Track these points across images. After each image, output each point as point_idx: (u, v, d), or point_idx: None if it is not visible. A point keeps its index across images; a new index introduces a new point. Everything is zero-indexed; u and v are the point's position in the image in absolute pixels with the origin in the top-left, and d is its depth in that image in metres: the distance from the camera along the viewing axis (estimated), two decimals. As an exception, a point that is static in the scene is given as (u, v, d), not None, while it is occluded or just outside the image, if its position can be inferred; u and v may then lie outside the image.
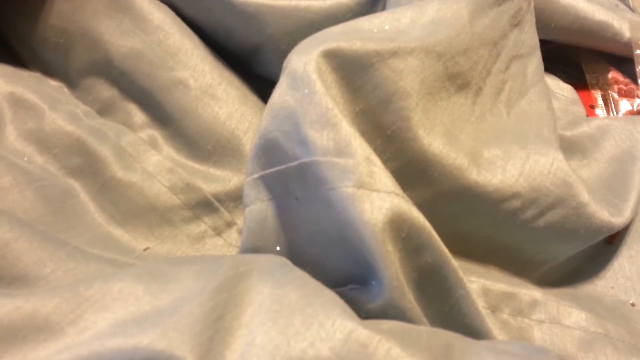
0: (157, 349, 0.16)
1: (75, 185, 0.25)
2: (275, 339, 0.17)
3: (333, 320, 0.17)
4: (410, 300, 0.20)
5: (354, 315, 0.18)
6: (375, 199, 0.20)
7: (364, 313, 0.20)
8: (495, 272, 0.27)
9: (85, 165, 0.25)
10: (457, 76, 0.27)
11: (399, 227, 0.21)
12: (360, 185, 0.21)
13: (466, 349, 0.19)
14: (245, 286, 0.19)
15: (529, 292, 0.26)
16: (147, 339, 0.16)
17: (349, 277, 0.23)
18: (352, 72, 0.24)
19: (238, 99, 0.29)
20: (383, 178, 0.21)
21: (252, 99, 0.30)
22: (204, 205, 0.27)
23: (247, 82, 0.31)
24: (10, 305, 0.17)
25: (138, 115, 0.28)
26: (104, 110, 0.28)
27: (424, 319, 0.21)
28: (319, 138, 0.21)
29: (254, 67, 0.32)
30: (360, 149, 0.21)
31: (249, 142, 0.28)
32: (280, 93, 0.23)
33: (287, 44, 0.30)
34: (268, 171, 0.23)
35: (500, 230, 0.27)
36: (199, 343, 0.16)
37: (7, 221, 0.20)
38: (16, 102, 0.26)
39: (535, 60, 0.33)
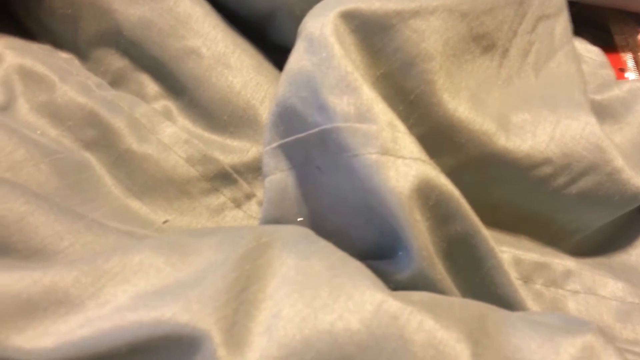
0: (180, 322, 0.15)
1: (91, 158, 0.25)
2: (302, 311, 0.16)
3: (362, 292, 0.17)
4: (440, 270, 0.20)
5: (383, 286, 0.17)
6: (401, 166, 0.20)
7: (392, 284, 0.19)
8: (526, 242, 0.26)
9: (100, 137, 0.25)
10: (482, 37, 0.25)
11: (426, 195, 0.20)
12: (385, 151, 0.20)
13: (500, 321, 0.18)
14: (268, 257, 0.18)
15: (562, 262, 0.25)
16: (169, 312, 0.16)
17: (374, 248, 0.22)
18: (372, 34, 0.23)
19: (252, 67, 0.28)
20: (408, 144, 0.20)
21: (267, 67, 0.29)
22: (223, 177, 0.26)
23: (261, 50, 0.30)
24: (28, 279, 0.16)
25: (151, 86, 0.27)
26: (116, 81, 0.28)
27: (455, 290, 0.20)
28: (339, 103, 0.20)
29: (268, 34, 0.31)
30: (383, 113, 0.20)
31: (265, 112, 0.28)
32: (296, 58, 0.22)
33: (301, 9, 0.28)
34: (287, 139, 0.22)
35: (531, 199, 0.26)
36: (224, 315, 0.16)
37: (22, 194, 0.19)
38: (26, 75, 0.25)
39: (563, 21, 0.31)
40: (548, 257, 0.25)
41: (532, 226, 0.27)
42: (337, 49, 0.21)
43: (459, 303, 0.18)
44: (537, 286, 0.25)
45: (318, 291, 0.17)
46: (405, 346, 0.16)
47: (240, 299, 0.17)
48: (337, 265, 0.18)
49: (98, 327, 0.16)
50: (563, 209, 0.26)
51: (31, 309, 0.16)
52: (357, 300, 0.16)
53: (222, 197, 0.26)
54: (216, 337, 0.15)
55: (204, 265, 0.18)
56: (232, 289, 0.17)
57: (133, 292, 0.17)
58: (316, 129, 0.21)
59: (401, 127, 0.20)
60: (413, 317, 0.16)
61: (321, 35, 0.21)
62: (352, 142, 0.20)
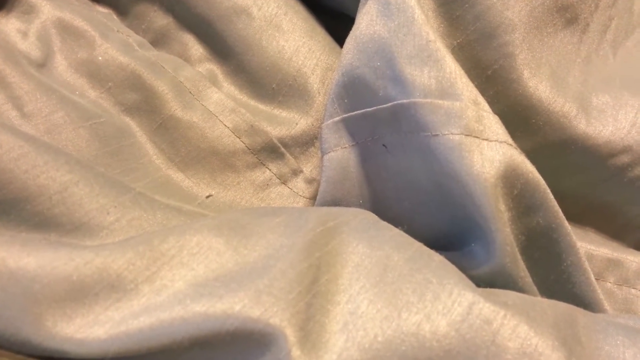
0: (251, 317, 0.14)
1: (131, 124, 0.23)
2: (384, 309, 0.14)
3: (449, 290, 0.15)
4: (522, 267, 0.18)
5: (471, 284, 0.15)
6: (486, 149, 0.18)
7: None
8: (593, 235, 0.24)
9: (142, 102, 0.23)
10: (566, 8, 0.23)
11: (511, 183, 0.18)
12: (469, 132, 0.18)
13: (590, 325, 0.16)
14: (337, 243, 0.16)
15: (635, 259, 0.23)
16: (238, 304, 0.14)
17: (441, 237, 0.20)
18: (452, -2, 0.20)
19: (305, 31, 0.26)
20: (493, 124, 0.18)
21: (320, 32, 0.26)
22: (269, 150, 0.24)
23: (313, 13, 0.27)
24: (79, 260, 0.15)
25: (195, 48, 0.25)
26: (158, 40, 0.25)
27: (535, 289, 0.19)
28: (419, 76, 0.18)
29: (322, -5, 0.28)
30: (467, 89, 0.18)
31: (316, 81, 0.25)
32: (368, 22, 0.20)
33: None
34: (353, 113, 0.20)
35: (604, 189, 0.24)
36: (297, 311, 0.14)
37: (66, 161, 0.17)
38: (65, 29, 0.23)
39: (642, -5, 0.28)
40: (620, 253, 0.24)
41: (599, 218, 0.25)
42: (418, 14, 0.19)
43: (548, 305, 0.16)
44: (609, 284, 0.23)
45: (400, 287, 0.15)
46: (498, 354, 0.14)
47: (313, 291, 0.15)
48: (417, 257, 0.16)
49: (157, 317, 0.14)
50: (635, 201, 0.24)
51: (81, 293, 0.14)
52: (445, 300, 0.15)
53: (267, 172, 0.25)
54: (290, 335, 0.14)
55: (269, 250, 0.16)
56: (303, 280, 0.15)
57: (191, 278, 0.15)
58: (389, 104, 0.19)
59: (485, 105, 0.18)
60: (507, 321, 0.14)
61: (400, -2, 0.19)
62: (431, 120, 0.18)
